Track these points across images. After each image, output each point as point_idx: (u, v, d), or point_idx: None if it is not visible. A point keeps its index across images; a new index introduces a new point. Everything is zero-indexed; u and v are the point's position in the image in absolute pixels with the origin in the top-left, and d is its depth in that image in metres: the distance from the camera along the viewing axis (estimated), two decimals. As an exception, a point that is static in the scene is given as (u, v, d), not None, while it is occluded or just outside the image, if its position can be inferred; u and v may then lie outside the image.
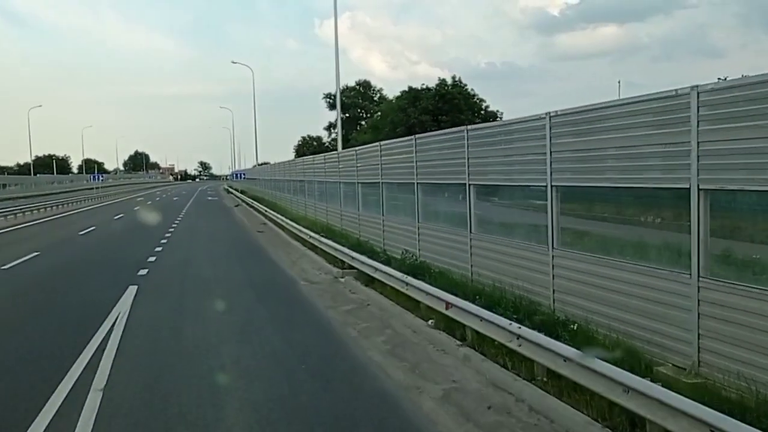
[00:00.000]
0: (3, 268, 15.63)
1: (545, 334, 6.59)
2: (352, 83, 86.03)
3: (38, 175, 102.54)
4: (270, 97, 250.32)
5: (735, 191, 5.66)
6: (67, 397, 6.30)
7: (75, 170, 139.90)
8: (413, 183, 12.77)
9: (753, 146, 5.27)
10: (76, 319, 9.97)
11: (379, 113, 72.46)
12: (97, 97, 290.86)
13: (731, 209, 6.12)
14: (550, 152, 7.96)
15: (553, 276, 8.08)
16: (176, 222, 31.10)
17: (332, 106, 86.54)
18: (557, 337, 6.61)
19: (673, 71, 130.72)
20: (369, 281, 11.94)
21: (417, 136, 12.78)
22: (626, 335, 6.57)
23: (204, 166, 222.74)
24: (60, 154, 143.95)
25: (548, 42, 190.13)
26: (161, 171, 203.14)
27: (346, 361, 7.57)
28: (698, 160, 5.71)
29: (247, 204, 44.84)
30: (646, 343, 6.35)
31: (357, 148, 17.79)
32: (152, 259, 16.83)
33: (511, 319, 7.28)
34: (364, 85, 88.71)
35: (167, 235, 23.68)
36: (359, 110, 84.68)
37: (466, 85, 65.33)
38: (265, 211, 32.22)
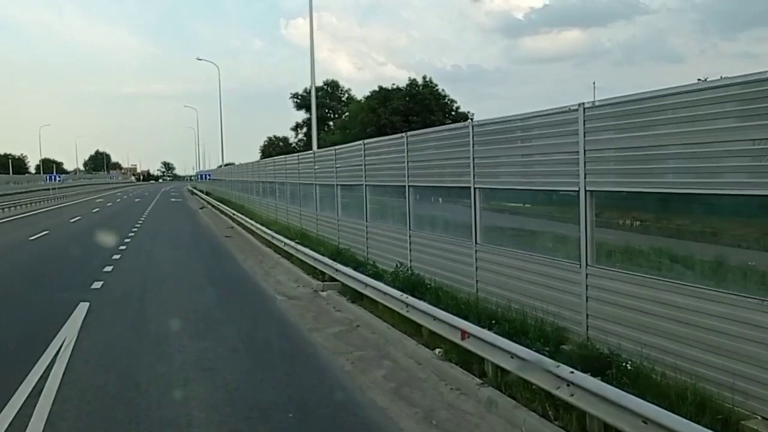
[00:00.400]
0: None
1: (591, 374, 5.29)
2: (319, 83, 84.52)
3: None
4: (235, 97, 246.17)
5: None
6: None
7: (33, 170, 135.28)
8: (404, 186, 11.38)
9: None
10: (7, 351, 8.31)
11: (348, 113, 71.02)
12: (56, 95, 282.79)
13: None
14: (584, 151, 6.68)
15: (588, 298, 6.78)
16: (137, 225, 29.19)
17: (300, 106, 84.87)
18: (611, 381, 5.29)
19: (635, 75, 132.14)
20: (356, 297, 10.51)
21: (409, 133, 11.39)
22: (697, 377, 5.29)
23: (167, 166, 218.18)
24: (16, 153, 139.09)
25: (513, 45, 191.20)
26: (123, 171, 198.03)
27: (346, 409, 6.12)
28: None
29: (213, 206, 42.89)
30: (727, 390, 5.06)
31: (336, 147, 16.35)
32: (108, 268, 15.13)
33: (542, 352, 5.98)
34: (332, 86, 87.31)
35: (126, 240, 21.87)
36: (327, 110, 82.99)
37: (437, 85, 64.42)
38: (233, 214, 30.48)
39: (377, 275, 10.82)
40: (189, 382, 6.94)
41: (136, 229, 26.81)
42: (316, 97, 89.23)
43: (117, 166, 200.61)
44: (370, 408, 6.10)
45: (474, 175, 9.05)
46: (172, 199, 63.43)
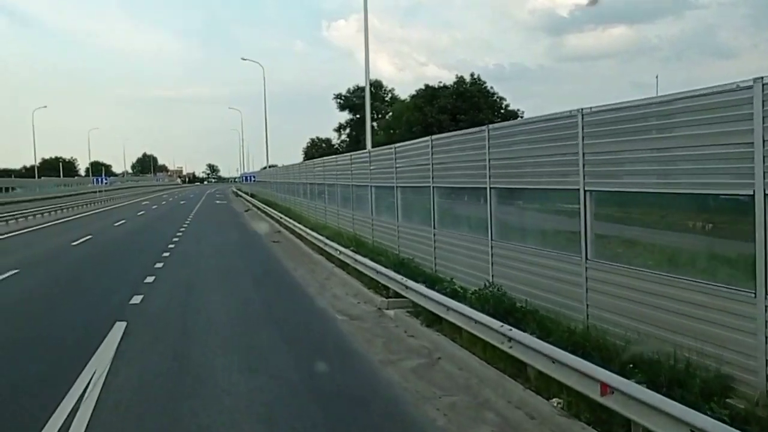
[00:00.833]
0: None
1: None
2: (362, 83, 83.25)
3: (43, 178, 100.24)
4: (277, 100, 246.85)
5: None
6: None
7: (82, 173, 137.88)
8: (484, 188, 9.75)
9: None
10: (28, 387, 6.98)
11: (391, 114, 69.43)
12: (104, 100, 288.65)
13: None
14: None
15: (768, 339, 5.05)
16: (182, 229, 28.21)
17: (343, 107, 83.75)
18: None
19: (683, 72, 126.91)
20: (432, 320, 8.91)
21: (492, 126, 9.72)
22: None
23: (212, 168, 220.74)
24: (67, 156, 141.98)
25: (557, 43, 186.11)
26: (169, 174, 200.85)
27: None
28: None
29: (258, 209, 41.89)
30: None
31: (396, 144, 14.77)
32: (150, 279, 13.89)
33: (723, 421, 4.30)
34: (376, 86, 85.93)
35: (170, 246, 20.74)
36: (371, 111, 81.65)
37: (485, 82, 62.41)
38: (279, 217, 29.23)
39: (455, 293, 9.20)
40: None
41: (180, 234, 25.77)
42: (359, 98, 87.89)
43: (163, 168, 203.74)
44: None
45: (584, 175, 7.36)
46: (217, 202, 62.95)
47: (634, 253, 7.36)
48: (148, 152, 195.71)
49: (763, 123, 5.03)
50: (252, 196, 59.72)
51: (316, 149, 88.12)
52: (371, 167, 16.72)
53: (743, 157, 5.23)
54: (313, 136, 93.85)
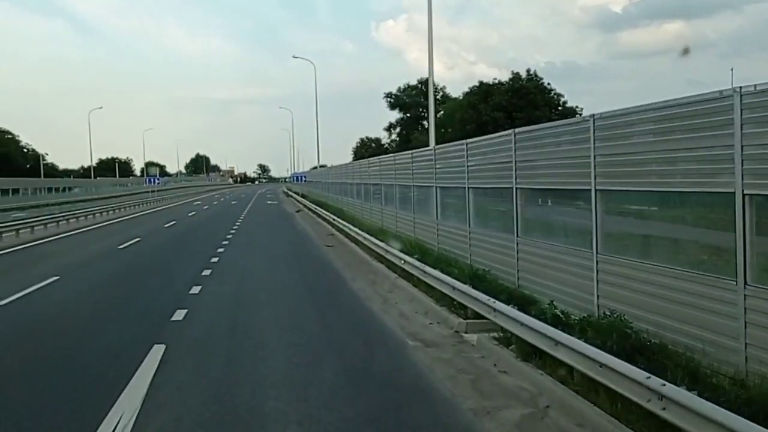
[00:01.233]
0: (0, 303, 11.73)
1: None
2: (414, 82, 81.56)
3: (99, 178, 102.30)
4: (326, 101, 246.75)
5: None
6: None
7: (138, 173, 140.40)
8: (588, 189, 8.03)
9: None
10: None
11: (443, 112, 67.46)
12: (158, 101, 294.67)
13: None
14: None
15: None
16: (232, 231, 27.19)
17: (393, 106, 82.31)
18: None
19: (742, 68, 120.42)
20: (528, 352, 7.25)
21: (598, 114, 8.00)
22: None
23: (263, 168, 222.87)
24: (123, 156, 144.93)
25: (610, 40, 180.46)
26: (221, 174, 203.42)
27: None
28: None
29: (310, 210, 40.74)
30: None
31: (467, 140, 13.12)
32: (195, 290, 12.64)
33: None
34: (426, 84, 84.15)
35: (219, 251, 19.58)
36: (421, 110, 79.83)
37: (542, 79, 60.00)
38: (332, 219, 27.87)
39: (557, 320, 7.51)
40: None
41: (230, 236, 24.68)
42: (410, 96, 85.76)
43: (216, 168, 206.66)
44: None
45: (742, 174, 5.61)
46: (268, 202, 62.31)
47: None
48: (201, 153, 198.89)
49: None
50: (303, 196, 58.83)
51: (366, 149, 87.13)
52: (437, 166, 15.10)
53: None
54: (363, 136, 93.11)
